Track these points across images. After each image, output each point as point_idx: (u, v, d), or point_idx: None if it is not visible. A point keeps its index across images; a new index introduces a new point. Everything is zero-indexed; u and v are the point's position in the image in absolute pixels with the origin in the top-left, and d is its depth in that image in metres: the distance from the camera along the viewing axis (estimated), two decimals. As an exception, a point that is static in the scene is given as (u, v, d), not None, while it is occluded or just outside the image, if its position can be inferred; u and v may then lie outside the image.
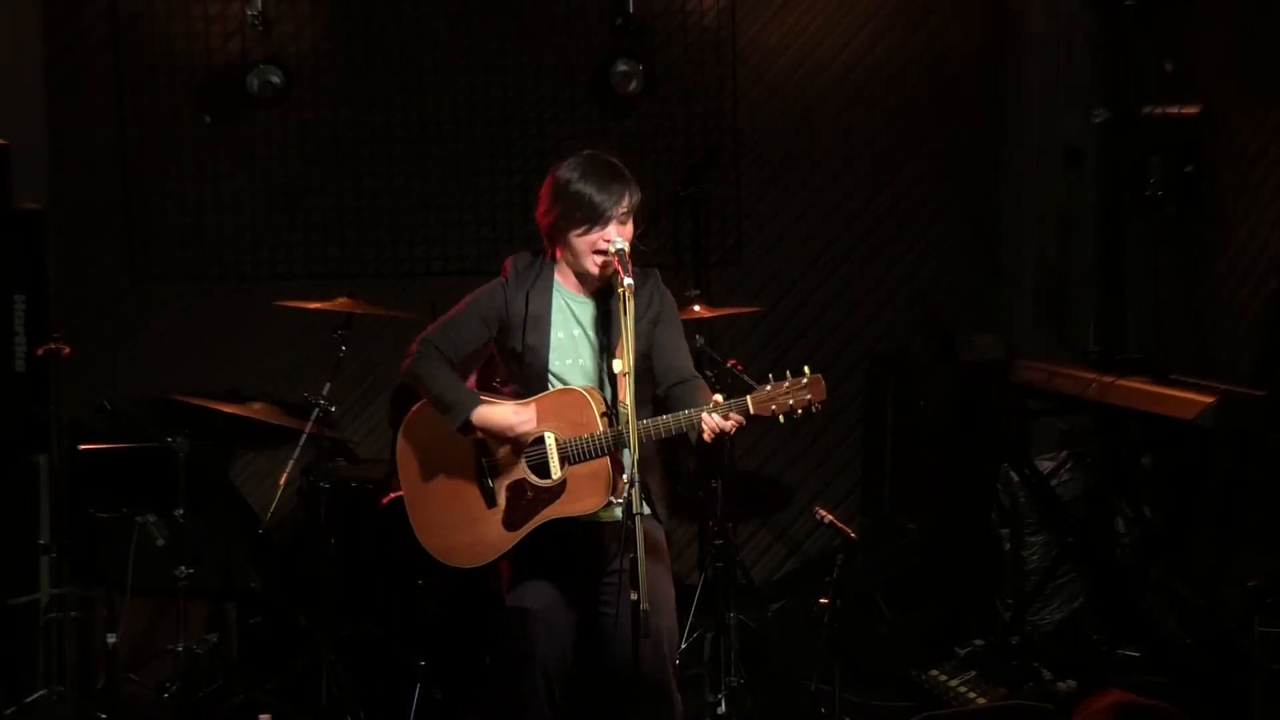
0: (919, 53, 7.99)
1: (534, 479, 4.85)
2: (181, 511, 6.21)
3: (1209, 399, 5.80)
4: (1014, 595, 7.01)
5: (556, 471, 4.81)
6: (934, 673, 6.66)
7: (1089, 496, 6.97)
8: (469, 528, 4.92)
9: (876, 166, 8.03)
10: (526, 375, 4.90)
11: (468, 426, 4.85)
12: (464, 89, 7.81)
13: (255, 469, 7.62)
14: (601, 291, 4.91)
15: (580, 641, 4.97)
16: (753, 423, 4.72)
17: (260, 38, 7.53)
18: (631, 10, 7.65)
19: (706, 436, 4.67)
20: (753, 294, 7.83)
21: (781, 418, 4.64)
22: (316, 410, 6.22)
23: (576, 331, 4.90)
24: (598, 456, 4.77)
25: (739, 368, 6.57)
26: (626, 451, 4.70)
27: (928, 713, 6.17)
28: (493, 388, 5.03)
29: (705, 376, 6.86)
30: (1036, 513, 7.01)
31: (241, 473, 7.63)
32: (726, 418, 4.63)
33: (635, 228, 4.88)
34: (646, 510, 4.81)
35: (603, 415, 4.77)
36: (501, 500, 4.89)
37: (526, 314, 4.89)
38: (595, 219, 4.80)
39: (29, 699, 6.19)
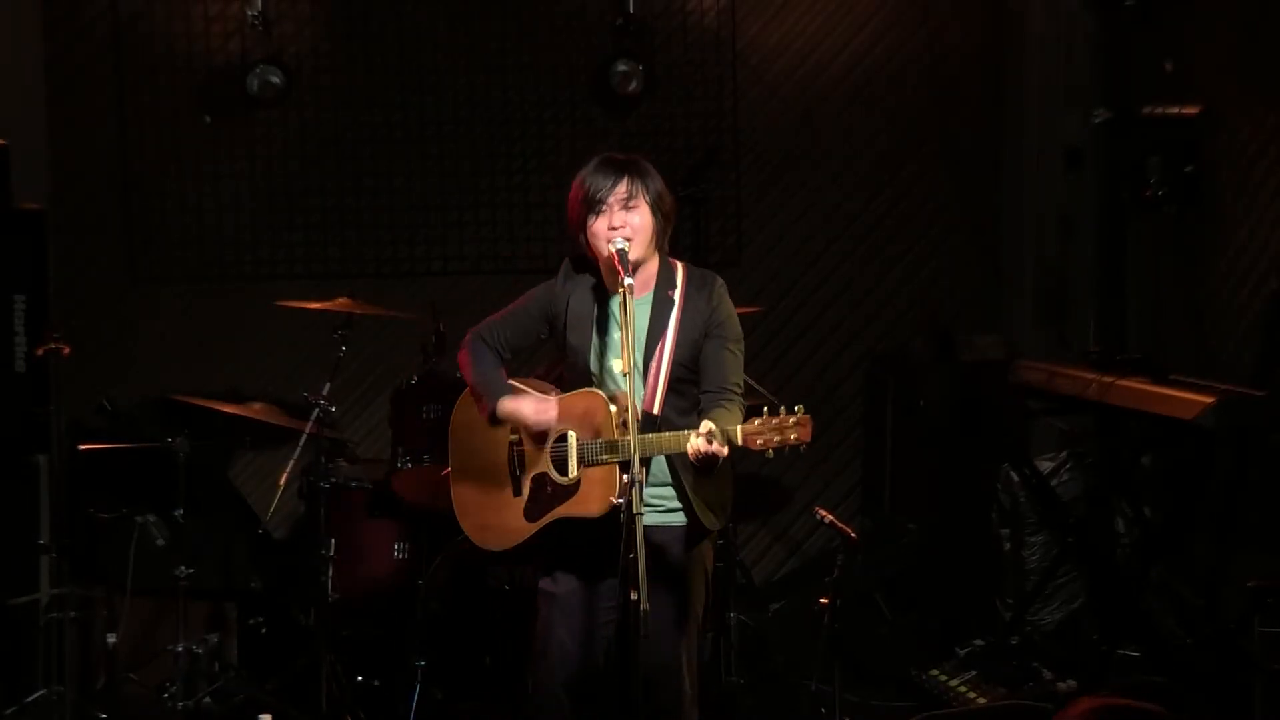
0: (919, 53, 7.99)
1: (555, 475, 4.88)
2: (181, 511, 6.22)
3: (1209, 399, 5.80)
4: (1014, 595, 7.01)
5: (573, 470, 4.84)
6: (934, 673, 6.66)
7: (1089, 496, 6.97)
8: (498, 512, 4.98)
9: (876, 166, 8.03)
10: (574, 373, 4.95)
11: (494, 416, 4.90)
12: (464, 89, 7.81)
13: (255, 469, 7.62)
14: (644, 293, 4.92)
15: (607, 635, 4.96)
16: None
17: (260, 38, 7.53)
18: (631, 10, 7.65)
19: (690, 456, 4.68)
20: (753, 294, 7.83)
21: (770, 453, 4.65)
22: (316, 410, 6.22)
23: (617, 334, 4.91)
24: (609, 463, 4.79)
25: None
26: (657, 460, 4.75)
27: (928, 713, 6.19)
28: (557, 381, 5.08)
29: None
30: (1036, 513, 7.01)
31: (241, 473, 7.63)
32: (711, 443, 4.63)
33: (662, 221, 4.86)
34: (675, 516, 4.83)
35: (620, 425, 4.77)
36: (526, 490, 4.93)
37: (568, 314, 4.92)
38: (594, 205, 4.80)
39: (29, 699, 6.18)
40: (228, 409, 6.56)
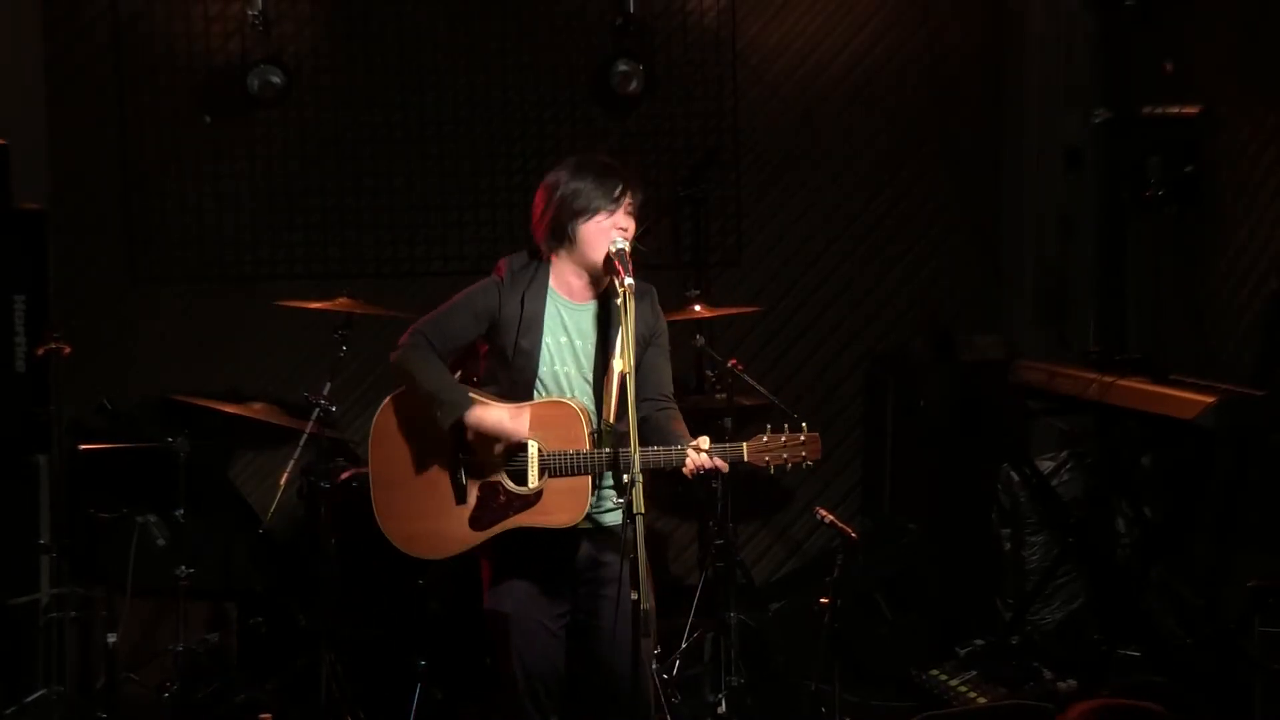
0: (919, 53, 7.99)
1: (509, 484, 4.85)
2: (181, 511, 6.22)
3: (1209, 399, 5.80)
4: (1014, 595, 7.01)
5: (534, 481, 4.80)
6: (934, 673, 6.66)
7: (1089, 496, 6.97)
8: (434, 519, 4.92)
9: (876, 166, 8.02)
10: (513, 378, 4.89)
11: (458, 425, 4.84)
12: (464, 89, 7.81)
13: (255, 469, 7.62)
14: (598, 298, 4.90)
15: (569, 643, 4.97)
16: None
17: (260, 38, 7.53)
18: (631, 10, 7.65)
19: (687, 471, 4.66)
20: (753, 294, 7.83)
21: (773, 469, 4.64)
22: (316, 410, 6.22)
23: (564, 339, 4.89)
24: (580, 474, 4.76)
25: (739, 368, 6.57)
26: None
27: (928, 713, 6.18)
28: (471, 382, 5.01)
29: (705, 376, 6.90)
30: (1036, 513, 7.01)
31: (241, 473, 7.63)
32: (713, 459, 4.62)
33: (637, 229, 4.87)
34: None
35: (591, 434, 4.76)
36: (472, 499, 4.89)
37: (521, 317, 4.87)
38: (606, 203, 4.78)
39: (29, 699, 6.19)
40: (228, 409, 6.56)
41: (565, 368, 4.87)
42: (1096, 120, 7.35)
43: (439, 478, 4.93)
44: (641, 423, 4.74)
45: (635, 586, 4.39)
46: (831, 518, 6.09)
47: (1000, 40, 7.98)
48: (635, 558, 4.40)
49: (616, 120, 7.86)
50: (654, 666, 5.02)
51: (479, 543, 4.90)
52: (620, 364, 4.72)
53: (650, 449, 4.70)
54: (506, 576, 4.93)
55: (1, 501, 6.34)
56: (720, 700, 6.31)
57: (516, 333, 4.86)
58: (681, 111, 7.90)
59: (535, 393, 4.87)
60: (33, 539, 6.35)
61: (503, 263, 4.98)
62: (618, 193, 4.79)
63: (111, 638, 6.15)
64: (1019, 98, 7.91)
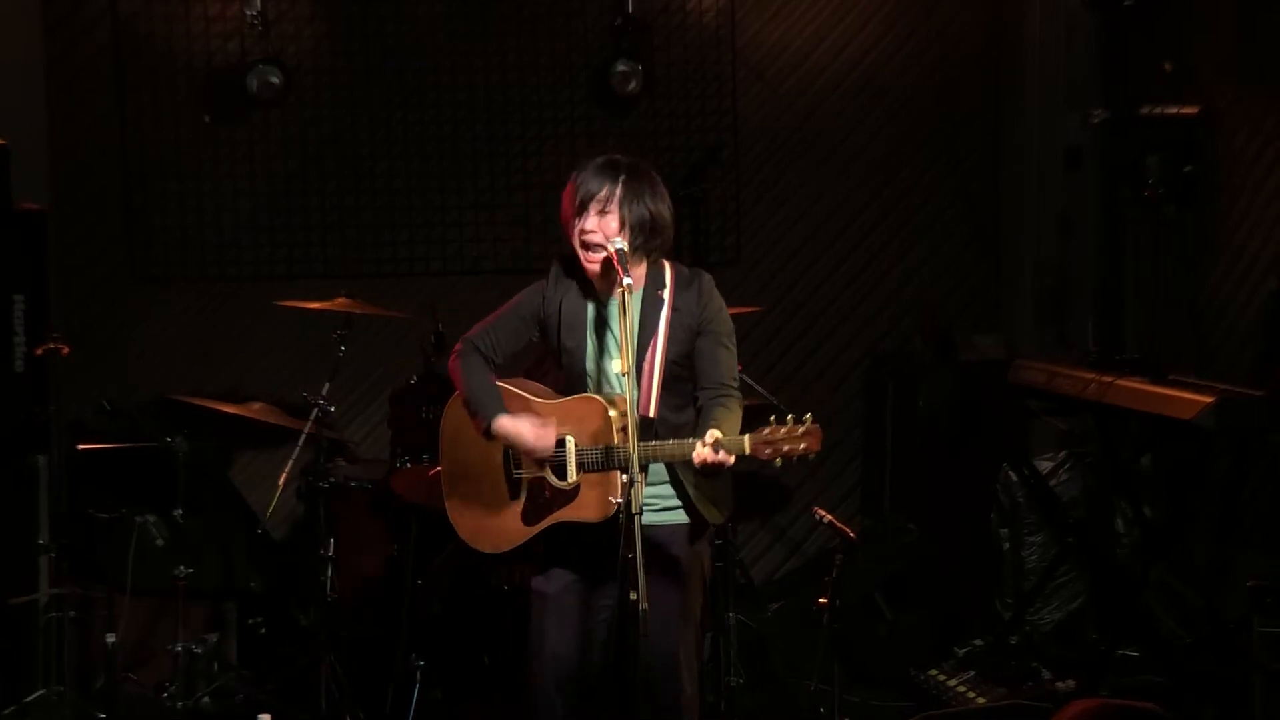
0: (919, 53, 7.99)
1: (553, 479, 4.87)
2: (181, 511, 6.22)
3: (1208, 399, 5.79)
4: (1014, 595, 7.01)
5: (572, 476, 4.83)
6: (934, 673, 6.66)
7: (1089, 496, 6.97)
8: (494, 515, 4.97)
9: (876, 166, 8.02)
10: (569, 376, 4.94)
11: (488, 433, 4.88)
12: (464, 89, 7.81)
13: (255, 469, 7.62)
14: (634, 294, 4.91)
15: (603, 636, 4.96)
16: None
17: (260, 38, 7.53)
18: (631, 10, 7.65)
19: (696, 464, 4.67)
20: (753, 294, 7.83)
21: (778, 461, 4.64)
22: (316, 410, 6.22)
23: (607, 335, 4.91)
24: (609, 469, 4.78)
25: (739, 368, 6.56)
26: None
27: (927, 713, 6.19)
28: (545, 383, 5.07)
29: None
30: (1036, 513, 7.01)
31: (241, 473, 7.63)
32: (718, 453, 4.63)
33: (634, 235, 4.82)
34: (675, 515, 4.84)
35: (620, 429, 4.76)
36: (523, 494, 4.93)
37: (561, 316, 4.91)
38: (573, 212, 4.80)
39: (29, 699, 6.19)
40: (228, 409, 6.57)
41: (612, 362, 4.90)
42: (1096, 120, 7.34)
43: (497, 474, 4.97)
44: (696, 413, 4.79)
45: (634, 586, 4.39)
46: (831, 518, 6.10)
47: (1000, 40, 7.98)
48: (635, 557, 4.39)
49: (616, 120, 7.86)
50: (696, 668, 4.99)
51: (529, 538, 4.93)
52: (619, 364, 4.73)
53: (665, 442, 4.71)
54: (555, 562, 4.95)
55: (1, 501, 6.34)
56: (720, 700, 6.31)
57: (559, 333, 4.91)
58: (681, 111, 7.90)
59: (587, 388, 4.90)
60: (32, 539, 6.35)
61: (553, 262, 5.01)
62: (579, 200, 4.79)
63: (111, 638, 6.15)
64: (1019, 98, 7.91)
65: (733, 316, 7.35)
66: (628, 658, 4.56)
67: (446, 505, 5.08)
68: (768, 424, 4.64)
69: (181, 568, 6.15)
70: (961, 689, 6.49)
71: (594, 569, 4.89)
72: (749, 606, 6.81)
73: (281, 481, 6.18)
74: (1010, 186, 8.00)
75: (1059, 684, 6.38)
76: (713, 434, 4.63)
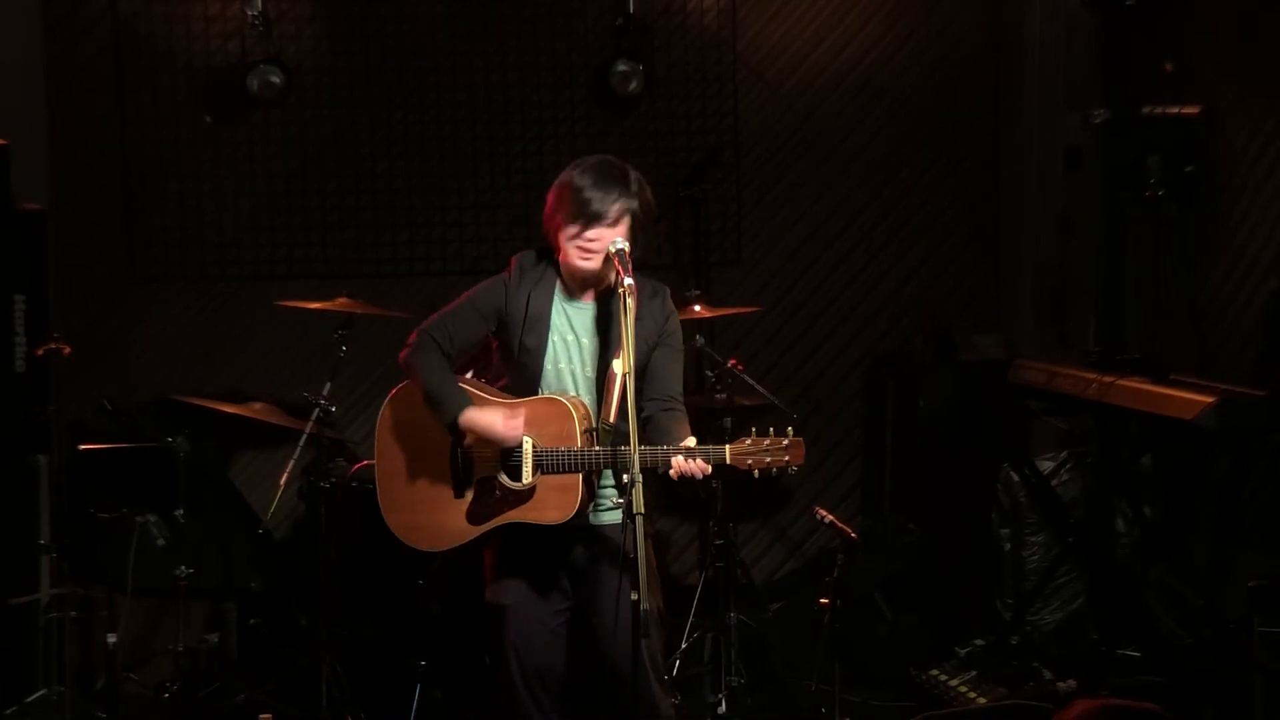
0: (919, 53, 7.99)
1: (505, 480, 4.87)
2: (181, 511, 6.22)
3: (1209, 399, 5.80)
4: (1014, 595, 7.01)
5: (528, 477, 4.82)
6: (934, 673, 6.66)
7: (1089, 496, 6.97)
8: (433, 511, 4.96)
9: (876, 166, 8.02)
10: (520, 375, 4.91)
11: (454, 426, 4.87)
12: (464, 89, 7.81)
13: (255, 469, 7.62)
14: (601, 297, 4.91)
15: (569, 639, 4.98)
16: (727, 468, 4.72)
17: (260, 38, 7.52)
18: (631, 10, 7.65)
19: (673, 475, 4.67)
20: (753, 294, 7.83)
21: (756, 473, 4.64)
22: (316, 410, 6.22)
23: (570, 337, 4.91)
24: (571, 471, 4.77)
25: (739, 368, 6.57)
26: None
27: (928, 713, 6.19)
28: (484, 379, 5.04)
29: (705, 376, 6.90)
30: (1036, 513, 7.01)
31: (241, 473, 7.62)
32: (695, 462, 4.62)
33: (634, 240, 4.83)
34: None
35: (585, 432, 4.77)
36: (469, 493, 4.93)
37: (526, 314, 4.89)
38: (580, 216, 4.78)
39: (29, 699, 6.19)
40: (228, 409, 6.56)
41: (570, 365, 4.90)
42: (1096, 120, 7.34)
43: (440, 471, 4.96)
44: (645, 423, 4.77)
45: (635, 586, 4.39)
46: (831, 518, 6.11)
47: (1000, 40, 7.98)
48: (635, 557, 4.40)
49: (616, 120, 7.86)
50: (660, 665, 5.00)
51: (474, 537, 4.94)
52: (620, 365, 4.73)
53: (655, 448, 4.70)
54: (506, 571, 4.96)
55: (1, 501, 6.34)
56: (720, 700, 6.31)
57: (522, 330, 4.89)
58: (681, 111, 7.90)
59: (540, 389, 4.89)
60: (33, 539, 6.35)
61: (514, 259, 5.01)
62: (590, 211, 4.77)
63: (111, 638, 6.15)
64: (1019, 98, 7.91)
65: (733, 316, 7.42)
66: (634, 658, 4.56)
67: (379, 499, 5.06)
68: (749, 435, 4.64)
69: (182, 568, 6.15)
70: (962, 689, 6.50)
71: (544, 575, 4.90)
72: (749, 606, 6.81)
73: (282, 481, 6.17)
74: (1010, 186, 8.00)
75: (1060, 684, 6.38)
76: (690, 440, 4.64)
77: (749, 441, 4.64)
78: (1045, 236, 7.82)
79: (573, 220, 4.79)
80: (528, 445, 4.81)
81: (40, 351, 6.15)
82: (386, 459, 5.06)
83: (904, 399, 7.74)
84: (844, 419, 8.03)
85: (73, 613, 6.26)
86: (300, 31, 7.70)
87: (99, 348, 7.44)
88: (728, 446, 4.65)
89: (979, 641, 6.90)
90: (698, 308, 6.78)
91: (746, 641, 6.56)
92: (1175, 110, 6.94)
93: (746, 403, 6.76)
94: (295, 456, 6.22)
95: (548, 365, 4.88)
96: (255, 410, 6.57)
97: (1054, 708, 5.48)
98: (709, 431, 7.19)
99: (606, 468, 4.78)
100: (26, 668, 6.27)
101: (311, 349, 7.25)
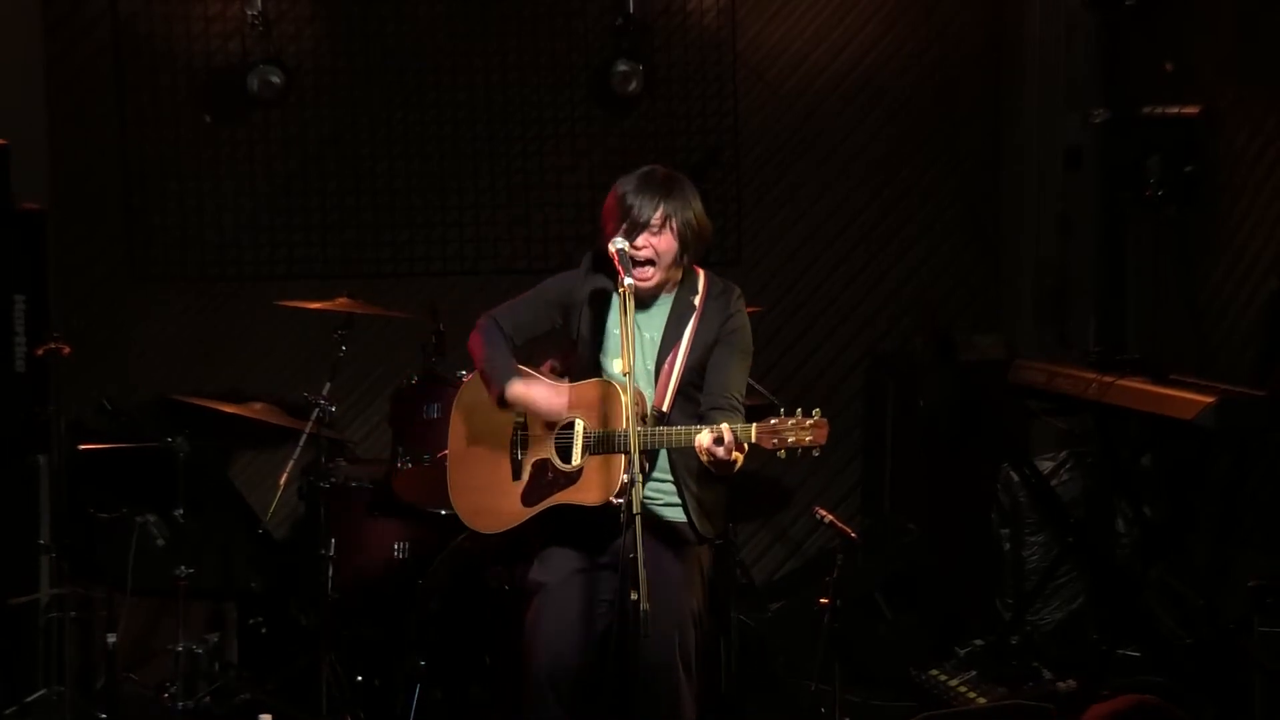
0: (919, 52, 7.99)
1: (557, 461, 4.91)
2: (181, 511, 6.22)
3: (1209, 399, 5.80)
4: (1014, 595, 7.01)
5: (577, 458, 4.86)
6: (934, 673, 6.67)
7: (1089, 496, 6.97)
8: (494, 495, 5.00)
9: (876, 166, 8.02)
10: (580, 366, 4.98)
11: (502, 399, 4.93)
12: (464, 89, 7.81)
13: (255, 469, 7.62)
14: (665, 297, 4.94)
15: (601, 629, 4.95)
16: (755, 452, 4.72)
17: (260, 38, 7.53)
18: (631, 10, 7.65)
19: (703, 459, 4.67)
20: (753, 294, 7.77)
21: (782, 453, 4.64)
22: (316, 410, 6.22)
23: (636, 332, 4.92)
24: (615, 453, 4.80)
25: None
26: (662, 454, 4.79)
27: (928, 713, 6.18)
28: (559, 374, 5.10)
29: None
30: (1036, 513, 7.01)
31: (241, 473, 7.62)
32: (721, 443, 4.62)
33: (684, 247, 4.85)
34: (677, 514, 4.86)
35: (631, 416, 4.78)
36: (526, 475, 4.96)
37: (587, 306, 4.95)
38: (625, 221, 4.80)
39: (29, 699, 6.19)
40: (228, 409, 6.56)
41: (614, 361, 4.92)
42: (1096, 120, 7.34)
43: (501, 454, 5.02)
44: (698, 420, 4.80)
45: (635, 586, 4.39)
46: (831, 518, 6.11)
47: (1000, 40, 7.98)
48: (635, 557, 4.40)
49: (616, 120, 7.86)
50: (692, 664, 4.98)
51: (527, 518, 4.95)
52: (621, 364, 4.73)
53: (660, 429, 4.73)
54: (554, 554, 4.96)
55: (1, 501, 6.34)
56: (720, 700, 6.30)
57: (581, 320, 4.95)
58: (682, 112, 7.90)
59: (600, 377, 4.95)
60: (33, 539, 6.35)
61: (588, 255, 5.05)
62: (628, 223, 4.80)
63: (111, 638, 6.15)
64: (1019, 98, 7.91)
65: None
66: (628, 657, 4.56)
67: (449, 484, 5.13)
68: (776, 415, 4.65)
69: (182, 568, 6.15)
70: (962, 689, 6.50)
71: (590, 559, 4.90)
72: (749, 606, 6.82)
73: (282, 481, 6.18)
74: (1010, 186, 8.00)
75: (1060, 684, 6.38)
76: (724, 426, 4.63)
77: (775, 421, 4.64)
78: (1045, 236, 7.82)
79: (619, 228, 4.81)
80: (580, 426, 4.85)
81: (40, 351, 6.15)
82: (456, 442, 5.14)
83: (904, 399, 7.74)
84: (844, 419, 8.02)
85: (73, 613, 6.26)
86: (300, 31, 7.70)
87: (99, 348, 7.44)
88: (754, 425, 4.65)
89: (979, 641, 6.90)
90: (698, 308, 6.77)
91: (746, 641, 6.56)
92: (1175, 110, 6.94)
93: (747, 403, 6.73)
94: (295, 456, 6.22)
95: (604, 356, 4.93)
96: (255, 410, 6.58)
97: (1054, 708, 5.48)
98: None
99: (647, 449, 4.77)
100: (26, 668, 6.27)
101: (311, 349, 7.25)
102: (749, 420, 4.73)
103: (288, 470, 6.21)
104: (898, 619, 7.29)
